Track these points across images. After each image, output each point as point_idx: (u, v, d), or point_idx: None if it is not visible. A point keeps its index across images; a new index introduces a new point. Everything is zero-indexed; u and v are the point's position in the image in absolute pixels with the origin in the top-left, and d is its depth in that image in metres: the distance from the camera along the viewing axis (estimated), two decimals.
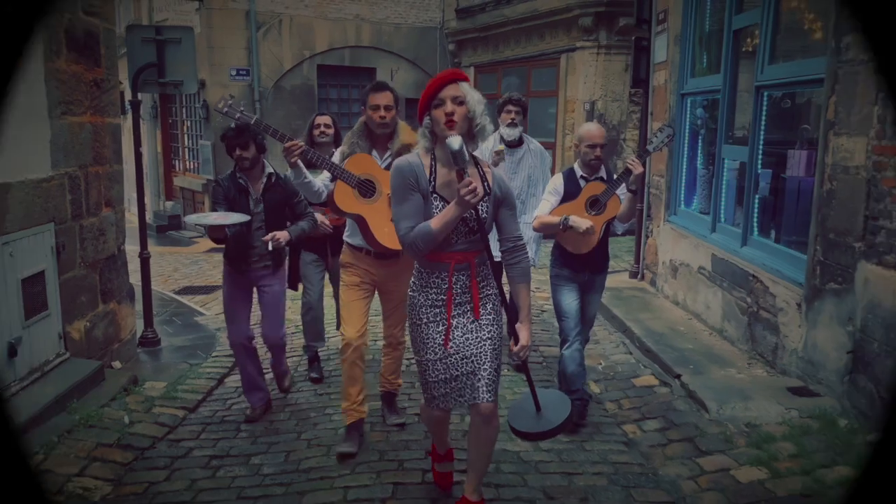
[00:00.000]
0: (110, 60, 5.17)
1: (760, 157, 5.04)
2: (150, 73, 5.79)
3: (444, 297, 2.74)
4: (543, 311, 6.40)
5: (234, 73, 13.37)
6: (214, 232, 3.91)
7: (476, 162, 2.73)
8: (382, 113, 3.62)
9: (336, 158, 3.74)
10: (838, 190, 3.80)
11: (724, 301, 5.18)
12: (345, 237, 3.84)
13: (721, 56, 5.55)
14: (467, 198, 2.44)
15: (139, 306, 5.78)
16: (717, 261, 5.36)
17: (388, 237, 3.50)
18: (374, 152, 3.71)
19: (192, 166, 15.08)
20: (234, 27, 13.53)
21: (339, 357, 3.79)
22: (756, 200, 5.09)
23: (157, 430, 3.92)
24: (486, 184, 2.70)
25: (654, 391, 4.35)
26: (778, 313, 4.40)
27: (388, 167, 3.55)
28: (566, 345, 4.03)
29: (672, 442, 3.67)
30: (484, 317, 2.79)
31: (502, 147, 4.76)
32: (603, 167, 4.05)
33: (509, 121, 4.89)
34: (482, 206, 2.66)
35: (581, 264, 4.01)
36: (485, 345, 2.75)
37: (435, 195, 2.66)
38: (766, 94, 4.91)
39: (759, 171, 5.08)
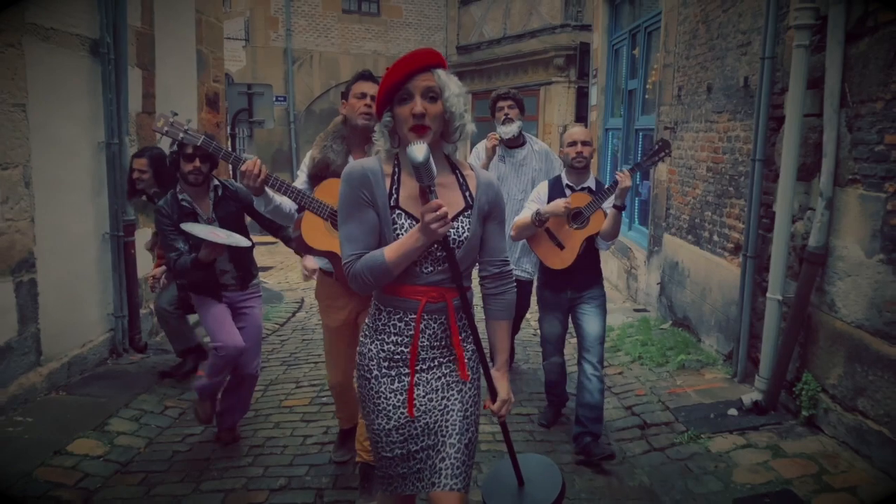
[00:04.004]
0: (222, 109, 8.09)
1: (640, 174, 7.86)
2: (242, 114, 8.72)
3: (405, 350, 2.07)
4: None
5: (273, 99, 16.27)
6: (215, 250, 3.40)
7: (452, 166, 2.09)
8: (368, 101, 3.08)
9: (305, 165, 3.25)
10: (658, 194, 6.64)
11: (618, 266, 8.01)
12: (317, 261, 3.37)
13: (622, 106, 8.42)
14: (433, 226, 1.84)
15: None
16: (616, 241, 8.18)
17: None
18: (350, 158, 3.16)
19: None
20: (274, 62, 16.47)
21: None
22: (637, 201, 7.94)
23: (273, 327, 6.78)
24: (467, 193, 2.07)
25: None
26: (637, 269, 7.24)
27: None
28: (547, 359, 4.10)
29: None
30: (459, 378, 2.12)
31: (497, 136, 4.35)
32: (594, 179, 3.83)
33: (503, 118, 4.44)
34: (461, 224, 2.04)
35: (561, 282, 3.81)
36: (453, 413, 2.09)
37: (399, 211, 2.00)
38: (641, 133, 7.77)
39: (639, 183, 7.92)
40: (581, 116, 10.23)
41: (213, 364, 3.71)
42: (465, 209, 2.06)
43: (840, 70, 3.41)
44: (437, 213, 1.84)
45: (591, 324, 3.82)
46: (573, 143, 3.71)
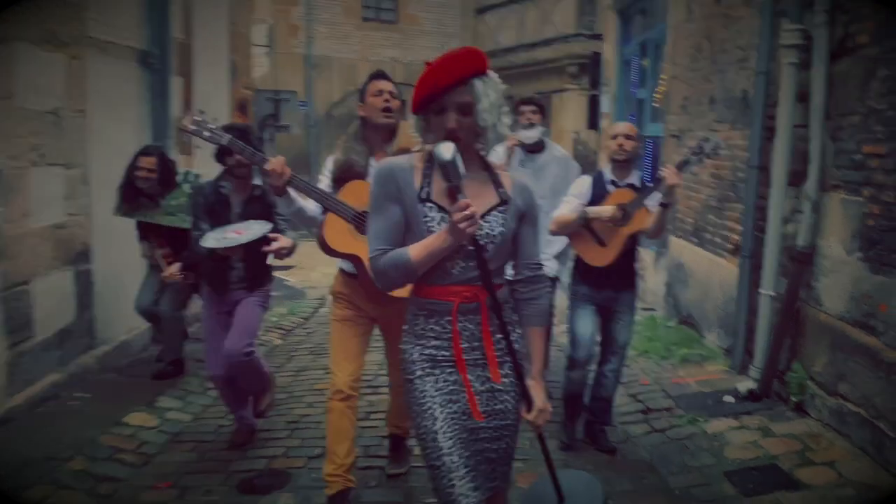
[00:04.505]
0: (251, 114, 8.54)
1: (648, 179, 8.24)
2: (268, 120, 9.15)
3: (447, 353, 2.07)
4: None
5: (298, 105, 16.70)
6: (231, 251, 3.46)
7: (485, 164, 2.11)
8: (387, 97, 3.05)
9: (328, 169, 3.18)
10: None
11: None
12: (339, 262, 3.26)
13: (631, 114, 8.79)
14: (461, 225, 1.83)
15: None
16: None
17: None
18: (372, 160, 3.11)
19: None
20: (295, 68, 16.95)
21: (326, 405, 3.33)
22: None
23: (299, 321, 7.20)
24: (500, 190, 2.07)
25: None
26: (646, 270, 7.59)
27: None
28: (574, 369, 3.85)
29: None
30: (501, 380, 2.10)
31: (516, 138, 4.17)
32: (639, 176, 3.78)
33: (525, 122, 4.42)
34: (494, 220, 2.04)
35: (601, 280, 3.68)
36: (502, 419, 2.11)
37: (430, 204, 2.00)
38: (649, 141, 8.13)
39: None
40: (593, 124, 10.62)
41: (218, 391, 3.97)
42: (498, 205, 2.05)
43: (824, 86, 3.79)
44: (466, 212, 1.83)
45: (622, 332, 3.84)
46: (615, 136, 3.68)
